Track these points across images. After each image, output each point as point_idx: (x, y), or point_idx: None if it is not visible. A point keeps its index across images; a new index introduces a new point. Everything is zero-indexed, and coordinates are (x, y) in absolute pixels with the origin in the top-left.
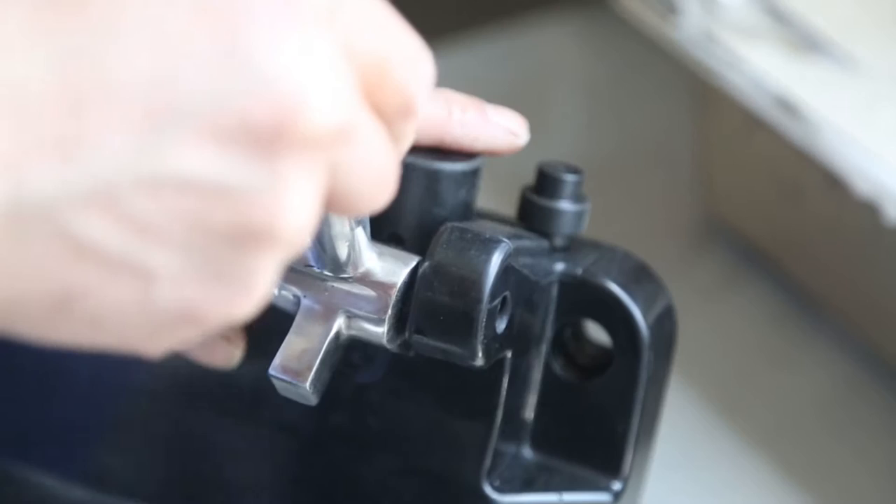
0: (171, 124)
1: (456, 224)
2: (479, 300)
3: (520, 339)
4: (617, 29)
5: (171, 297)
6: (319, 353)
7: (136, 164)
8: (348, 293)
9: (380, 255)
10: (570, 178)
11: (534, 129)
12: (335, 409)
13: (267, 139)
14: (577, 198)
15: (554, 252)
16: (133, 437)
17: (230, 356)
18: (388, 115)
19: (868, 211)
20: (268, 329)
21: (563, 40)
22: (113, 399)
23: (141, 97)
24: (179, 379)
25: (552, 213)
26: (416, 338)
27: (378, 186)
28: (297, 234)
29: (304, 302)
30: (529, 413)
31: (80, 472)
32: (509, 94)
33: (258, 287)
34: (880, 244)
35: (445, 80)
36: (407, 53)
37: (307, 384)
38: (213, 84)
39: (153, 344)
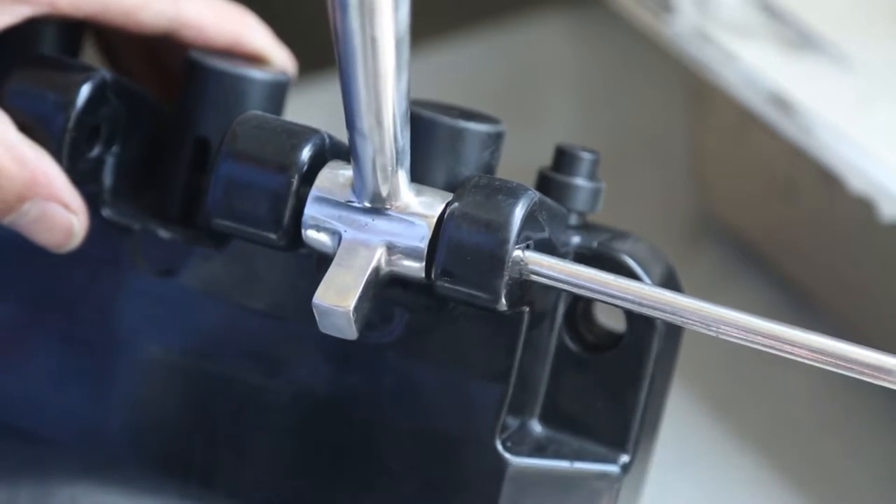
0: None
1: (483, 175)
2: (506, 240)
3: (535, 303)
4: (611, 26)
5: None
6: (361, 283)
7: None
8: (388, 225)
9: (418, 191)
10: (587, 155)
11: (528, 126)
12: (351, 370)
13: None
14: (593, 177)
15: (568, 229)
16: (146, 403)
17: (69, 228)
18: None
19: (862, 207)
20: (283, 287)
21: (557, 38)
22: (127, 370)
23: None
24: (193, 341)
25: (569, 189)
26: (442, 281)
27: None
28: None
29: (346, 236)
30: (540, 386)
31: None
32: (503, 92)
33: None
34: (874, 241)
35: (440, 77)
36: None
37: (350, 311)
38: None
39: None
